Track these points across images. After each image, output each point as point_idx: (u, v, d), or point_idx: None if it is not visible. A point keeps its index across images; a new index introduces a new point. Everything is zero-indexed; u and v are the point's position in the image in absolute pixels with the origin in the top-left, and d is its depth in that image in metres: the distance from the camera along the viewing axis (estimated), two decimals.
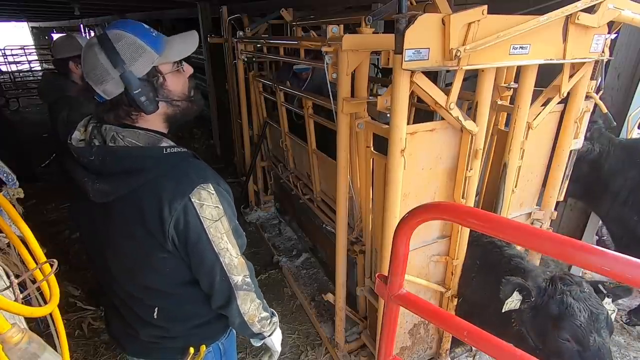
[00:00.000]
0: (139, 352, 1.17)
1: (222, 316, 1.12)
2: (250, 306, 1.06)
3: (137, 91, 0.89)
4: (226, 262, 0.98)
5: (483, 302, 1.64)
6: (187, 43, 0.97)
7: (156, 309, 1.06)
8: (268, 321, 1.15)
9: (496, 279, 1.44)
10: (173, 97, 0.97)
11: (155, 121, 0.98)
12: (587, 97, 1.73)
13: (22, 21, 15.53)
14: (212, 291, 1.02)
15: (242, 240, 1.05)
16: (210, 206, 0.93)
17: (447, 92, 1.33)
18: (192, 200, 0.90)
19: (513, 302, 1.33)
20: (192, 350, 1.12)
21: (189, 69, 1.01)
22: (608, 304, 1.32)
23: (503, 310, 1.34)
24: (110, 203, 0.92)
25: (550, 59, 1.43)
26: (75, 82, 2.17)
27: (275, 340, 1.21)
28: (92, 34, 12.18)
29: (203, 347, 1.13)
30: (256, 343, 1.20)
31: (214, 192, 0.94)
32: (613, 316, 1.30)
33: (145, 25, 0.94)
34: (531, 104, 1.63)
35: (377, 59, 3.77)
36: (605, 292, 1.33)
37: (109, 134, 0.92)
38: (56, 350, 0.79)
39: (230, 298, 1.02)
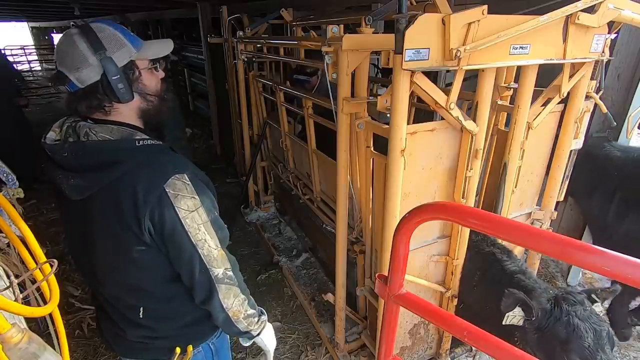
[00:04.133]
0: (128, 353, 1.16)
1: (210, 315, 1.11)
2: (234, 301, 1.04)
3: (115, 77, 0.91)
4: (204, 254, 0.96)
5: (485, 313, 1.64)
6: (162, 46, 1.03)
7: (141, 308, 1.04)
8: (256, 319, 1.12)
9: (499, 295, 1.43)
10: (147, 92, 1.01)
11: (129, 115, 1.00)
12: (587, 97, 1.73)
13: (22, 21, 15.53)
14: (193, 284, 1.00)
15: (223, 232, 1.02)
16: (185, 196, 0.92)
17: (447, 92, 1.33)
18: (167, 190, 0.90)
19: (515, 317, 1.33)
20: (178, 350, 1.09)
21: (161, 73, 1.05)
22: (597, 306, 1.34)
23: (503, 323, 1.34)
24: (88, 200, 0.92)
25: (551, 59, 1.43)
26: None
27: (266, 339, 1.19)
28: None
29: (190, 348, 1.12)
30: (245, 342, 1.18)
31: (189, 182, 0.93)
32: (601, 314, 1.33)
33: (125, 27, 0.99)
34: (531, 104, 1.63)
35: (377, 59, 3.77)
36: (598, 300, 1.35)
37: (82, 130, 0.92)
38: (56, 350, 0.79)
39: (211, 291, 1.00)
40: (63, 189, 0.92)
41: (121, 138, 0.95)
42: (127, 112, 0.99)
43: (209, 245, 0.97)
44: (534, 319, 1.32)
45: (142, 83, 1.00)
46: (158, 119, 1.06)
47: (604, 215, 2.04)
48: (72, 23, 0.92)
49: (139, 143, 0.94)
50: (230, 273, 1.03)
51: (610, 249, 0.53)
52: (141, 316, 1.05)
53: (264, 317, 1.17)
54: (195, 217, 0.94)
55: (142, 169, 0.92)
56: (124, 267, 0.99)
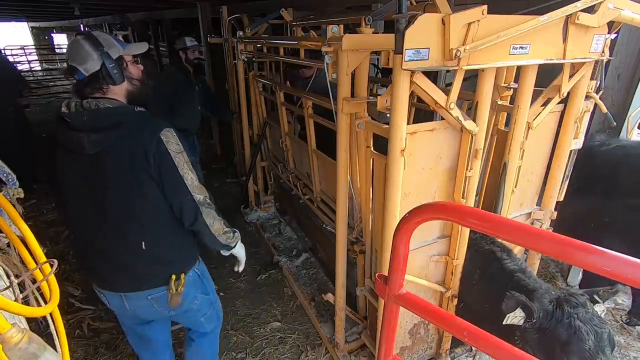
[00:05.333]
0: (130, 287, 1.43)
1: (194, 247, 1.52)
2: (214, 221, 1.41)
3: (111, 65, 1.30)
4: (189, 183, 1.33)
5: (485, 312, 1.64)
6: (140, 47, 1.45)
7: (143, 242, 1.36)
8: (231, 234, 1.50)
9: (499, 294, 1.43)
10: (133, 77, 1.39)
11: (120, 95, 1.36)
12: (587, 97, 1.73)
13: (22, 21, 15.51)
14: (182, 209, 1.35)
15: (197, 172, 1.39)
16: (173, 143, 1.31)
17: (447, 92, 1.33)
18: (162, 137, 1.28)
19: (516, 318, 1.33)
20: (174, 277, 1.43)
21: (140, 66, 1.44)
22: (599, 306, 1.34)
23: (504, 323, 1.34)
24: (100, 154, 1.26)
25: (550, 59, 1.43)
26: None
27: (239, 250, 1.59)
28: None
29: (182, 275, 1.46)
30: (225, 253, 1.56)
31: (174, 134, 1.33)
32: (602, 314, 1.33)
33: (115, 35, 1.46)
34: (531, 104, 1.63)
35: (377, 59, 3.76)
36: (600, 300, 1.35)
37: (91, 104, 1.27)
38: (56, 350, 0.79)
39: (197, 213, 1.36)
40: (84, 145, 1.24)
41: (123, 106, 1.34)
42: (119, 92, 1.36)
43: (191, 177, 1.34)
44: (534, 320, 1.32)
45: (129, 71, 1.38)
46: (140, 98, 1.42)
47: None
48: (75, 33, 1.31)
49: (136, 109, 1.35)
50: (208, 201, 1.40)
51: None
52: (144, 247, 1.36)
53: (237, 234, 1.56)
54: (180, 157, 1.32)
55: (142, 125, 1.31)
56: (136, 198, 1.31)
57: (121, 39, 1.53)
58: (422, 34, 1.15)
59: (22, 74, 5.29)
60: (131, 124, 1.29)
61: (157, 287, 1.44)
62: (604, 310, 1.34)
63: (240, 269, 1.67)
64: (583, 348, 1.24)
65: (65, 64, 1.32)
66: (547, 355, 1.32)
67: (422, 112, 2.71)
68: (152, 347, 1.69)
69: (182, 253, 1.49)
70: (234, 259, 1.64)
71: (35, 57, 14.94)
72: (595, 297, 1.36)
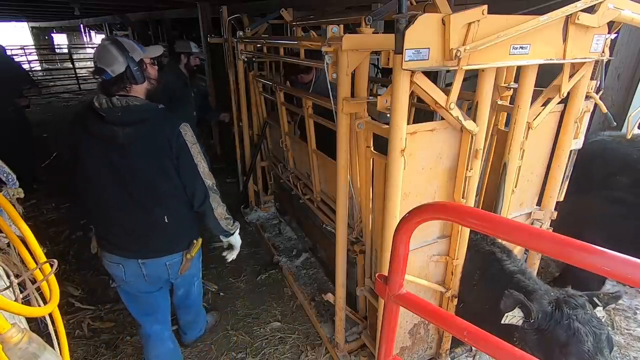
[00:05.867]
0: (151, 254, 1.66)
1: (197, 222, 1.74)
2: (218, 205, 1.66)
3: (135, 68, 1.51)
4: (201, 170, 1.58)
5: (485, 312, 1.64)
6: (156, 50, 1.67)
7: (166, 216, 1.61)
8: (231, 221, 1.75)
9: (498, 295, 1.44)
10: (151, 77, 1.61)
11: (141, 93, 1.57)
12: (587, 97, 1.73)
13: (22, 21, 15.51)
14: (194, 191, 1.59)
15: (207, 161, 1.64)
16: (189, 135, 1.56)
17: (447, 92, 1.33)
18: (180, 131, 1.53)
19: (515, 317, 1.33)
20: (195, 242, 1.75)
21: (156, 67, 1.66)
22: (599, 311, 1.34)
23: (502, 322, 1.34)
24: (130, 145, 1.48)
25: (551, 59, 1.43)
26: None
27: (236, 238, 1.83)
28: (92, 33, 12.52)
29: (200, 240, 1.78)
30: (223, 239, 1.80)
31: (190, 129, 1.57)
32: (602, 319, 1.33)
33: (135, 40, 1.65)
34: (531, 104, 1.63)
35: (377, 59, 3.77)
36: (600, 303, 1.35)
37: (121, 101, 1.48)
38: (56, 351, 0.79)
39: (206, 195, 1.61)
40: (118, 137, 1.45)
41: (148, 103, 1.56)
42: (140, 90, 1.56)
43: (203, 165, 1.59)
44: (532, 320, 1.32)
45: (148, 72, 1.59)
46: (155, 95, 1.62)
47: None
48: (102, 39, 1.57)
49: (159, 107, 1.57)
50: (215, 187, 1.64)
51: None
52: (167, 221, 1.61)
53: (237, 223, 1.80)
54: (195, 147, 1.57)
55: (164, 121, 1.54)
56: (162, 181, 1.55)
57: None
58: (422, 34, 1.15)
59: (28, 73, 5.22)
60: (153, 120, 1.52)
61: (174, 253, 1.70)
62: (604, 316, 1.34)
63: (231, 257, 1.89)
64: (582, 349, 1.24)
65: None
66: (546, 356, 1.32)
67: (422, 112, 2.70)
68: (155, 311, 1.88)
69: (193, 225, 1.76)
70: (228, 247, 1.87)
71: (36, 57, 14.93)
72: (595, 299, 1.36)
